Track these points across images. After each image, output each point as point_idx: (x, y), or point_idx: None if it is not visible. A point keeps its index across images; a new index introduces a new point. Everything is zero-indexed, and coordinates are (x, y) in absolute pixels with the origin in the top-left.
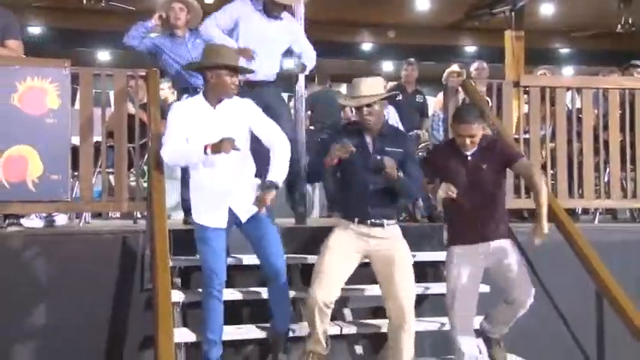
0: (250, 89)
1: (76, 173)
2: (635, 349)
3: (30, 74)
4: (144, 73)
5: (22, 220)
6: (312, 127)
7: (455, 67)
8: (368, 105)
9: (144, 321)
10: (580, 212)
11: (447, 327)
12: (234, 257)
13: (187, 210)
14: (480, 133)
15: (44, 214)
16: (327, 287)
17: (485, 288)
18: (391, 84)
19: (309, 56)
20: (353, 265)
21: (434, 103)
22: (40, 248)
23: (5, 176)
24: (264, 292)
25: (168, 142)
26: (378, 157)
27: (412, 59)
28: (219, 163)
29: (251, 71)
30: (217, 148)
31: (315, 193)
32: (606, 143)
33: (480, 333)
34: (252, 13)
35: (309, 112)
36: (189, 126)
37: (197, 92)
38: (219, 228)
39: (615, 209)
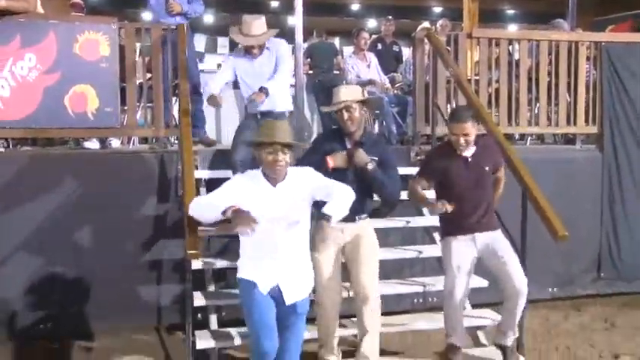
0: (257, 119)
1: (125, 107)
2: (545, 234)
3: (87, 29)
4: (175, 27)
5: (85, 143)
6: (310, 72)
7: (426, 24)
8: (347, 109)
9: (178, 218)
10: (518, 138)
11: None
12: None
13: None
14: (474, 132)
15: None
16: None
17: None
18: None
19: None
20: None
21: (408, 52)
22: (98, 164)
23: (72, 108)
24: None
25: (202, 197)
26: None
27: (390, 17)
28: (271, 235)
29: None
30: (235, 220)
31: None
32: (537, 83)
33: (496, 346)
34: (240, 60)
35: (308, 59)
36: (244, 200)
37: None
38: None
39: (542, 134)
